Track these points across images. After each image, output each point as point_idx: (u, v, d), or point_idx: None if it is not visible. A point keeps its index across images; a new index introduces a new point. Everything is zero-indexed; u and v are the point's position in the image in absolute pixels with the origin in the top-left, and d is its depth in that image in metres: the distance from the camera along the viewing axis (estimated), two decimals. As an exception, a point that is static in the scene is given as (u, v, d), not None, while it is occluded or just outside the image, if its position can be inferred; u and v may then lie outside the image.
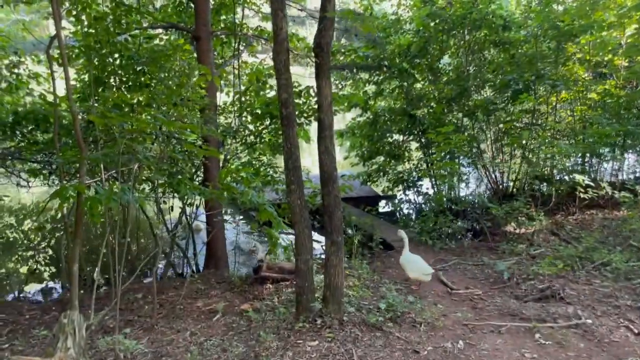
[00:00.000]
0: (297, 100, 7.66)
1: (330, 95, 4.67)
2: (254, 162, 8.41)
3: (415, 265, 5.99)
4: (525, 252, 7.36)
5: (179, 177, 6.37)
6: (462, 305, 5.59)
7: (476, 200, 8.08)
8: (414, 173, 9.77)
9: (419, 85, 10.67)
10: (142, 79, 7.06)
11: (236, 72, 9.02)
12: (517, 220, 8.39)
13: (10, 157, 7.58)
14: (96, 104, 5.72)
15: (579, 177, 7.94)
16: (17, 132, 7.10)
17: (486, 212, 8.72)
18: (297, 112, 7.98)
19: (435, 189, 9.81)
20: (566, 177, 9.18)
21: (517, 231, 8.64)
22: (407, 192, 10.30)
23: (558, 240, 7.90)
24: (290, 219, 4.88)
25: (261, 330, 4.62)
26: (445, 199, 8.56)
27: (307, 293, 4.66)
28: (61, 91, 4.90)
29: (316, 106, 4.93)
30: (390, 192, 11.33)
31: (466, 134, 9.35)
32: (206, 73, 5.94)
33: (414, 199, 10.45)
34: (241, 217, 9.60)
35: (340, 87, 11.32)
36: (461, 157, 9.66)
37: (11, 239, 10.19)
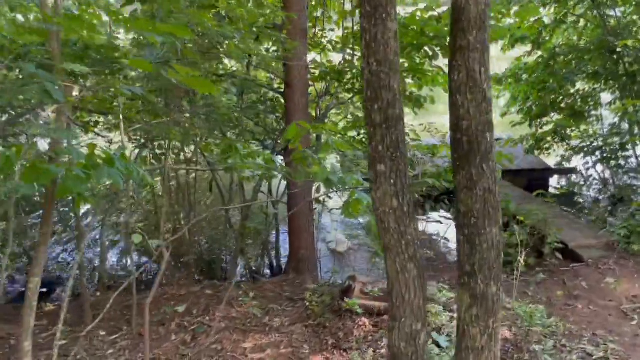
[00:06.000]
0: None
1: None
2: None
3: None
4: None
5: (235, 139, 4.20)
6: None
7: None
8: (617, 138, 6.23)
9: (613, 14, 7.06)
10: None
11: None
12: None
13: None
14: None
15: None
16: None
17: None
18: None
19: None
20: None
21: None
22: (597, 166, 6.84)
23: None
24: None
25: None
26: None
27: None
28: None
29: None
30: (566, 165, 7.90)
31: None
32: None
33: (609, 176, 6.94)
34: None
35: (500, 15, 8.02)
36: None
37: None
